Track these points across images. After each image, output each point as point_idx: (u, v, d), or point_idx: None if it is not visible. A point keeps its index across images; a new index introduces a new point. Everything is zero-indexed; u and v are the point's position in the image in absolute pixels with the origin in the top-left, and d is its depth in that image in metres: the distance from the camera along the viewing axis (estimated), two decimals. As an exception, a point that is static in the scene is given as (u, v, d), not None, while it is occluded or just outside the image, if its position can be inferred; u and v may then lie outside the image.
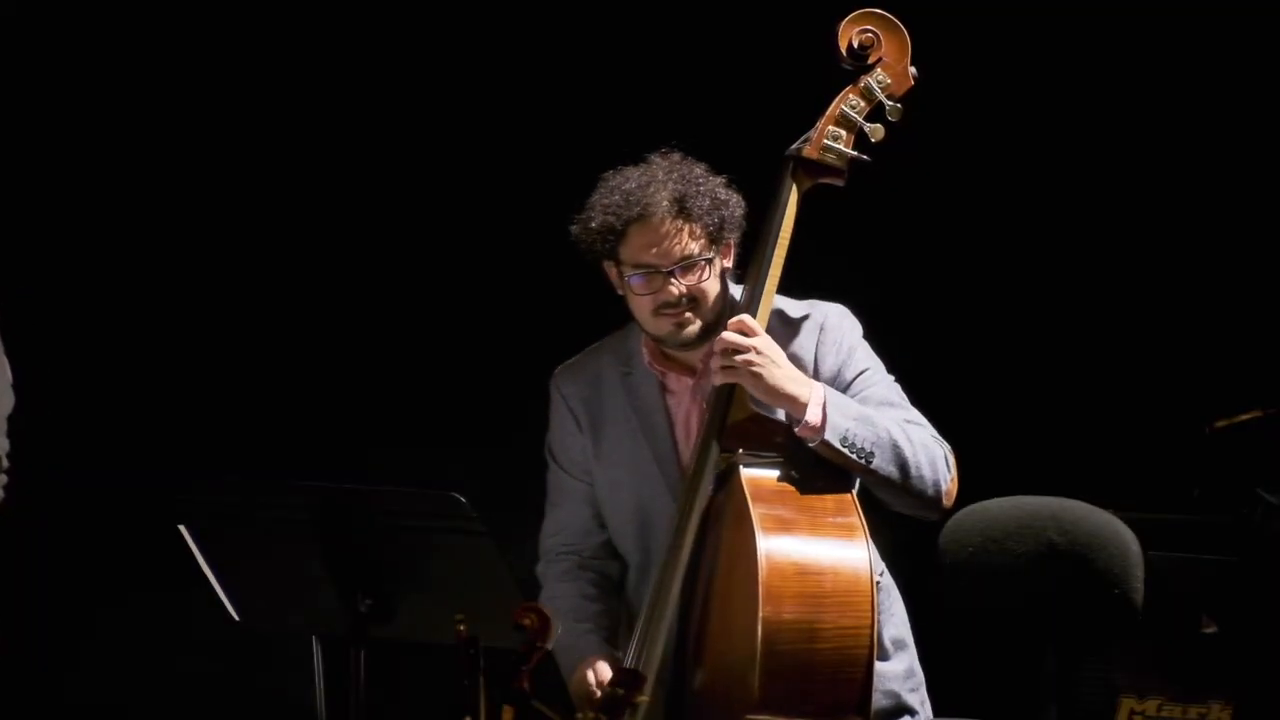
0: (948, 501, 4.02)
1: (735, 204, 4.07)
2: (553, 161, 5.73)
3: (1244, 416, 5.22)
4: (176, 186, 5.86)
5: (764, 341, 3.96)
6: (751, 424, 3.98)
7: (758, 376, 3.93)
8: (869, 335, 4.16)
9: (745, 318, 3.98)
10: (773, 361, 3.95)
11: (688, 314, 4.04)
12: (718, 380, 3.97)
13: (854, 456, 3.91)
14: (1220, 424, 5.25)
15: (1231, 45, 5.69)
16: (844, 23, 4.10)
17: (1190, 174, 5.77)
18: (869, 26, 4.10)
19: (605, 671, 4.01)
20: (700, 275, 4.02)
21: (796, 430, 3.93)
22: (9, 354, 4.51)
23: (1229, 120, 5.72)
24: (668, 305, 4.03)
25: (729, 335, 3.95)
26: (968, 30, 5.47)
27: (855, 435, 3.92)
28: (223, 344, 5.89)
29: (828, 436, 3.90)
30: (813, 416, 3.92)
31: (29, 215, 5.79)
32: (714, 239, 4.04)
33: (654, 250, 4.02)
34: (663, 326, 4.07)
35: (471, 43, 5.87)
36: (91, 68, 5.81)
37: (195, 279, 5.89)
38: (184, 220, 5.88)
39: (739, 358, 3.93)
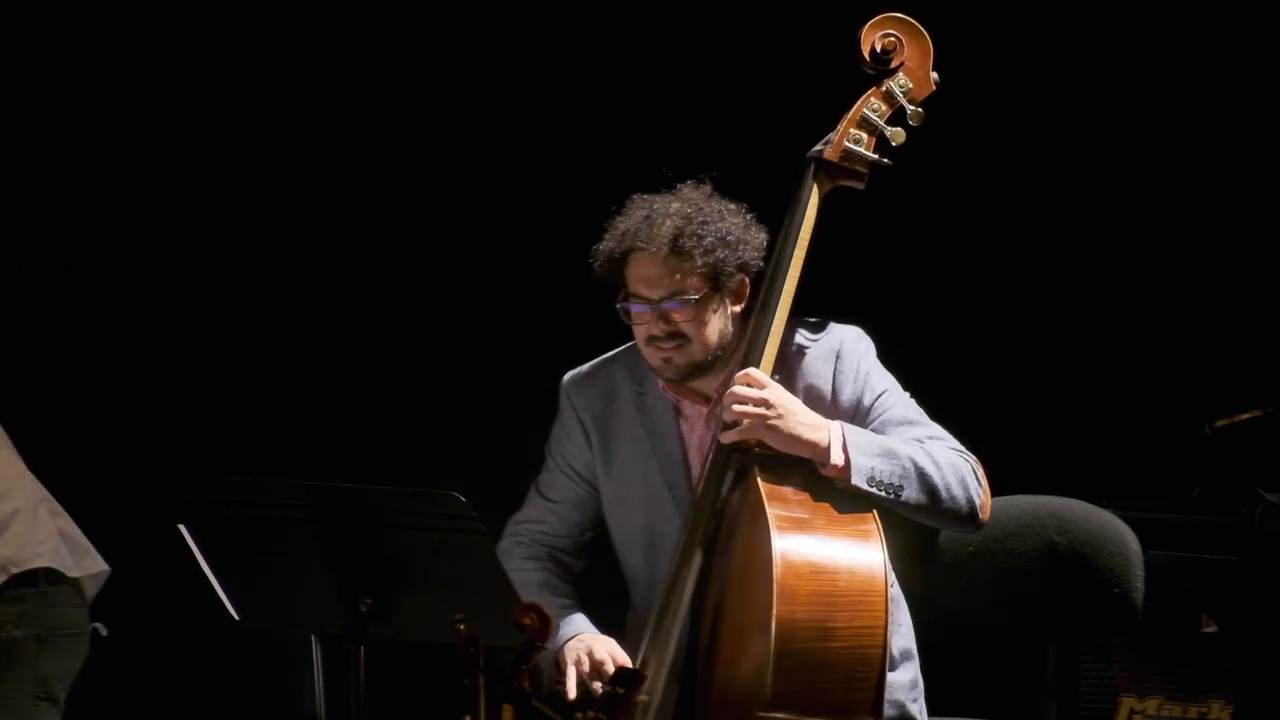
0: (983, 515, 4.00)
1: (747, 246, 4.03)
2: (563, 162, 5.75)
3: (1244, 416, 5.22)
4: (182, 188, 5.87)
5: (774, 393, 3.94)
6: None
7: (774, 430, 3.91)
8: (873, 336, 4.16)
9: (752, 371, 3.96)
10: (788, 411, 3.93)
11: (674, 351, 4.02)
12: (732, 438, 3.95)
13: (883, 494, 3.91)
14: (1220, 424, 5.25)
15: (1231, 47, 5.70)
16: (867, 26, 4.10)
17: (1190, 175, 5.77)
18: (892, 30, 4.10)
19: (621, 655, 4.01)
20: (690, 314, 4.00)
21: (822, 472, 3.92)
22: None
23: (1229, 121, 5.72)
24: (655, 339, 4.03)
25: (739, 390, 3.94)
26: (979, 37, 5.48)
27: (881, 472, 3.91)
28: (224, 344, 5.89)
29: (854, 480, 3.89)
30: (836, 460, 3.90)
31: (33, 216, 5.80)
32: (713, 280, 4.01)
33: (646, 283, 4.02)
34: (652, 358, 4.07)
35: (508, 44, 5.88)
36: (92, 69, 5.81)
37: (195, 279, 5.89)
38: (186, 221, 5.88)
39: (752, 411, 3.92)
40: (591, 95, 5.82)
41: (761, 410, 3.92)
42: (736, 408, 3.93)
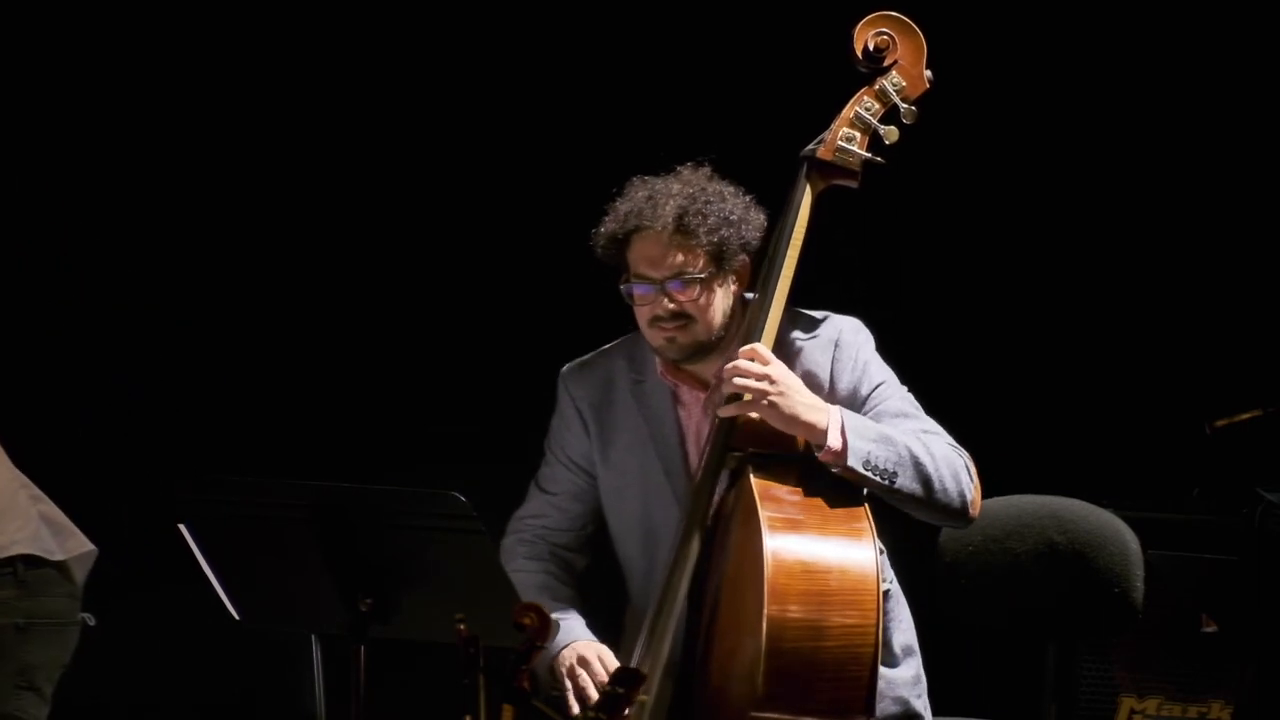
0: (974, 510, 4.01)
1: (749, 226, 4.05)
2: (561, 161, 5.75)
3: (1244, 416, 5.22)
4: (181, 188, 5.87)
5: (777, 369, 3.94)
6: (763, 424, 3.96)
7: (774, 407, 3.91)
8: (873, 334, 4.16)
9: (757, 346, 3.96)
10: (789, 389, 3.93)
11: (678, 331, 4.03)
12: (731, 412, 3.94)
13: (877, 479, 3.90)
14: (1220, 424, 5.25)
15: (1231, 46, 5.70)
16: (860, 25, 4.11)
17: (1190, 175, 5.77)
18: (885, 29, 4.10)
19: (611, 660, 4.02)
20: (694, 293, 4.01)
21: (818, 455, 3.92)
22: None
23: (1229, 121, 5.72)
24: (658, 319, 4.04)
25: (742, 364, 3.94)
26: (977, 36, 5.48)
27: (877, 457, 3.90)
28: (223, 344, 5.89)
29: (850, 462, 3.89)
30: (833, 442, 3.90)
31: (33, 215, 5.80)
32: (717, 259, 4.02)
33: (650, 263, 4.03)
34: (655, 338, 4.08)
35: (505, 41, 5.88)
36: (92, 69, 5.81)
37: (195, 279, 5.89)
38: (186, 220, 5.88)
39: (754, 385, 3.91)
40: (589, 93, 5.82)
41: (764, 385, 3.91)
42: (738, 380, 3.93)
